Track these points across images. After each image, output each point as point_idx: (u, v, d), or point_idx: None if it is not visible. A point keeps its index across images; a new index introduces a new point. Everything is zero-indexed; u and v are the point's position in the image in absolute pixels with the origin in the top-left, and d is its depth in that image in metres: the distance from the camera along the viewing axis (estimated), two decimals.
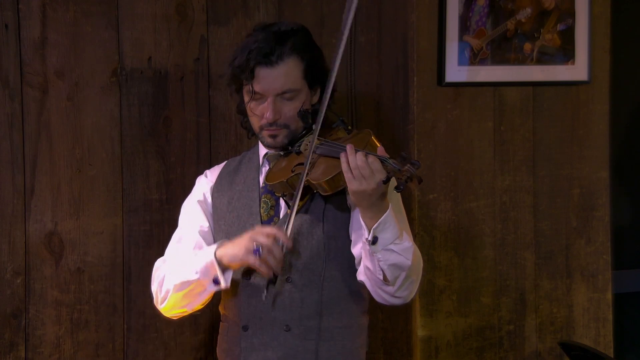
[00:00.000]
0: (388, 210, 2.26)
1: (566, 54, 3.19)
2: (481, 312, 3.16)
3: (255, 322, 2.46)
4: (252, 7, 3.05)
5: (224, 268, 2.38)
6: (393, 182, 2.22)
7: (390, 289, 2.34)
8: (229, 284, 2.39)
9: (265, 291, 2.41)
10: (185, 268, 2.42)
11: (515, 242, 3.20)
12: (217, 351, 2.60)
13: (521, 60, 3.15)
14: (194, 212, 2.60)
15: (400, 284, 2.33)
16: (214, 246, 2.41)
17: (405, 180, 2.15)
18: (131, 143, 2.99)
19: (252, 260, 2.30)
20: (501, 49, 3.13)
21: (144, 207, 3.00)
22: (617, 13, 3.33)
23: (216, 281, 2.39)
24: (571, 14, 3.18)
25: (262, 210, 2.51)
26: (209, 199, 2.60)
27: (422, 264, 2.40)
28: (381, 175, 2.21)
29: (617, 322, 3.35)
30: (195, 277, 2.40)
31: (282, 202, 2.48)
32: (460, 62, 3.09)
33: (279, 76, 2.42)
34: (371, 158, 2.22)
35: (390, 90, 3.16)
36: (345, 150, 2.26)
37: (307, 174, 2.35)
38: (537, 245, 3.22)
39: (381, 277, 2.31)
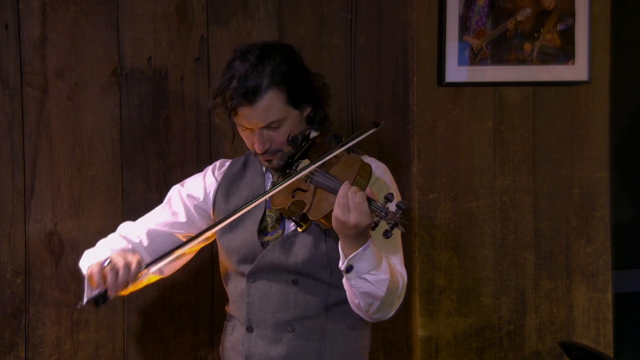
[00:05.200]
0: (365, 245, 2.24)
1: (566, 54, 3.19)
2: (481, 312, 3.17)
3: (259, 323, 2.46)
4: (252, 7, 3.05)
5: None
6: (382, 225, 2.22)
7: (364, 314, 2.37)
8: (84, 301, 2.45)
9: (83, 299, 2.44)
10: (95, 254, 2.51)
11: (515, 242, 3.20)
12: (220, 350, 2.61)
13: (521, 60, 3.15)
14: (186, 193, 2.63)
15: (375, 311, 2.34)
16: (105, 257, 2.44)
17: (391, 227, 2.16)
18: (131, 143, 2.99)
19: (93, 269, 2.36)
20: (501, 49, 3.13)
21: (144, 207, 2.99)
22: (617, 13, 3.33)
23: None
24: (571, 14, 3.18)
25: (267, 223, 2.52)
26: (211, 197, 2.60)
27: (402, 290, 2.36)
28: (365, 218, 2.19)
29: (617, 322, 3.35)
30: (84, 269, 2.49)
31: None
32: (460, 62, 3.10)
33: (261, 112, 2.40)
34: (359, 197, 2.20)
35: (390, 90, 3.16)
36: (342, 186, 2.25)
37: (307, 207, 2.35)
38: (537, 245, 3.22)
39: (357, 302, 2.33)
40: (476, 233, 3.16)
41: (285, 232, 2.48)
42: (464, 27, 3.09)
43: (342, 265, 2.27)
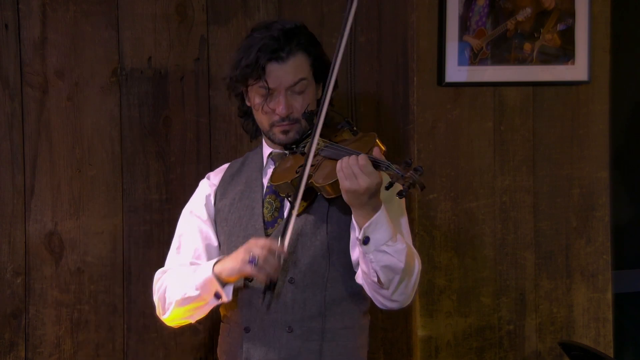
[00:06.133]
0: (380, 210, 2.25)
1: (566, 54, 3.19)
2: (481, 312, 3.17)
3: (257, 323, 2.45)
4: (252, 7, 3.05)
5: (223, 282, 2.39)
6: (396, 186, 2.22)
7: (386, 292, 2.33)
8: (230, 297, 2.41)
9: (262, 296, 2.41)
10: (186, 284, 2.43)
11: (515, 242, 3.20)
12: (218, 352, 2.60)
13: (521, 60, 3.15)
14: (193, 218, 2.59)
15: (395, 288, 2.32)
16: (212, 262, 2.41)
17: (408, 186, 2.15)
18: (131, 143, 2.99)
19: (250, 270, 2.31)
20: (501, 49, 3.13)
21: (144, 207, 3.00)
22: (617, 13, 3.33)
23: (217, 295, 2.40)
24: (571, 14, 3.18)
25: (265, 211, 2.50)
26: (212, 202, 2.60)
27: (419, 267, 2.37)
28: (374, 178, 2.21)
29: (617, 322, 3.35)
30: (196, 293, 2.41)
31: (287, 203, 2.47)
32: (460, 62, 3.10)
33: (290, 70, 2.44)
34: (362, 159, 2.22)
35: (390, 90, 3.16)
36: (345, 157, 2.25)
37: (310, 175, 2.35)
38: (537, 245, 3.22)
39: (376, 279, 2.30)
40: (476, 233, 3.16)
41: (283, 220, 2.46)
42: (464, 27, 3.09)
43: (359, 235, 2.26)
